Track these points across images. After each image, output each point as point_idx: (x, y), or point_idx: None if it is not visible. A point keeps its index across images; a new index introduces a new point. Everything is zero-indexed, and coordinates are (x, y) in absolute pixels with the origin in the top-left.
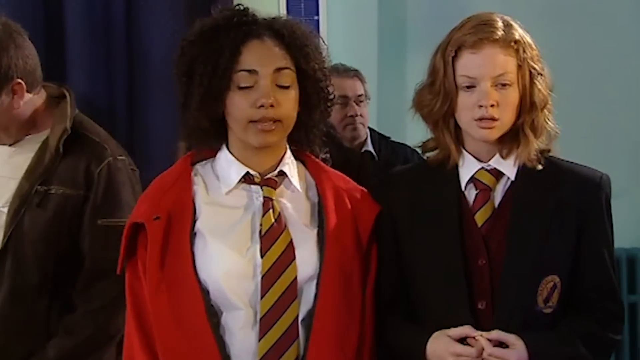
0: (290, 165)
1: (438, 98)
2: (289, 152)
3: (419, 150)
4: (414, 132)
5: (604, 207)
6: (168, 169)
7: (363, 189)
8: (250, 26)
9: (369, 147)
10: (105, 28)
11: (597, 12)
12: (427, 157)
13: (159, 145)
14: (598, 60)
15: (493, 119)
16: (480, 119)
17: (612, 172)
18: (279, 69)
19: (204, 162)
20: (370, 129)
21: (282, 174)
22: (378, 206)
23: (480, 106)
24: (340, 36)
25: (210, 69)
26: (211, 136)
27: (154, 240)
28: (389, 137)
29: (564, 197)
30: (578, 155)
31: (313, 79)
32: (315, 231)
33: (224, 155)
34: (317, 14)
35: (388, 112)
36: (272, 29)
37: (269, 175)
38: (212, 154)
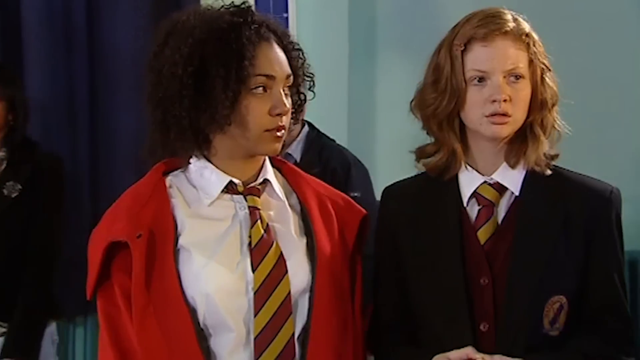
0: (271, 173)
1: (444, 96)
2: (267, 159)
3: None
4: (383, 130)
5: (613, 223)
6: (138, 181)
7: (344, 194)
8: (259, 27)
9: (293, 147)
10: (64, 24)
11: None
12: (426, 165)
13: (124, 147)
14: (596, 62)
15: (506, 115)
16: (492, 115)
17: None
18: (288, 76)
19: (175, 172)
20: (311, 127)
21: (265, 182)
22: (362, 212)
23: (493, 101)
24: (311, 34)
25: (234, 71)
26: (198, 143)
27: (138, 261)
28: (332, 140)
29: (571, 212)
30: (581, 160)
31: (297, 85)
32: (304, 241)
33: (201, 164)
34: (287, 11)
35: (359, 111)
36: (272, 30)
37: (252, 184)
38: (184, 163)
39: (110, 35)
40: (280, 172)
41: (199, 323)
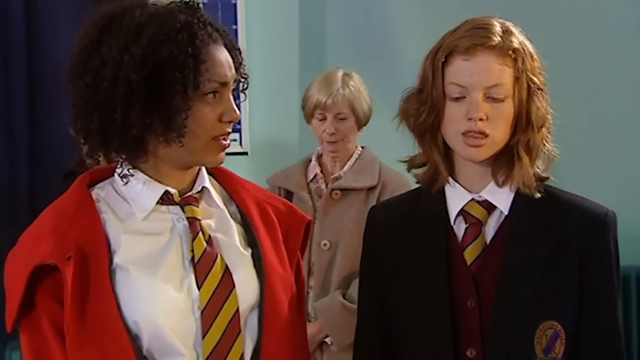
0: (207, 179)
1: (425, 107)
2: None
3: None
4: None
5: (609, 249)
6: (60, 197)
7: (284, 199)
8: (207, 26)
9: None
10: (2, 36)
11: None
12: (416, 176)
13: (64, 154)
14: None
15: (482, 134)
16: (468, 133)
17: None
18: (235, 79)
19: (101, 184)
20: None
21: (202, 189)
22: (305, 218)
23: (470, 119)
24: (260, 46)
25: (191, 77)
26: (138, 152)
27: (69, 285)
28: None
29: (564, 235)
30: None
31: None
32: (249, 253)
33: (129, 174)
34: (236, 23)
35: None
36: (216, 29)
37: (189, 193)
38: (109, 173)
39: (51, 46)
40: (214, 178)
41: (141, 350)
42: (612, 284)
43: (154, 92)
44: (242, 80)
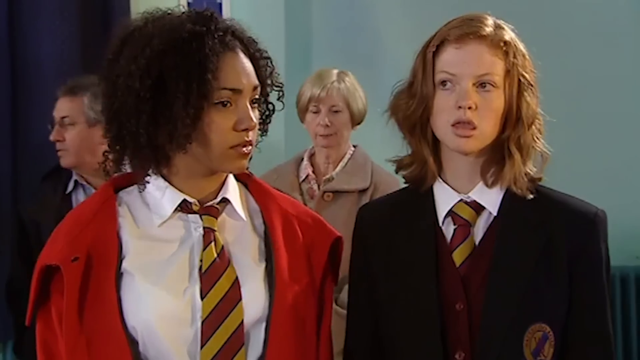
0: (233, 191)
1: (414, 100)
2: (231, 175)
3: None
4: None
5: (600, 248)
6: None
7: (315, 214)
8: (223, 35)
9: None
10: None
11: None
12: (404, 176)
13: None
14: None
15: (470, 124)
16: (457, 124)
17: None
18: (255, 87)
19: (129, 189)
20: None
21: (225, 200)
22: (334, 233)
23: (459, 108)
24: None
25: (195, 86)
26: (157, 160)
27: (71, 286)
28: None
29: (553, 235)
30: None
31: (265, 95)
32: (263, 266)
33: (154, 181)
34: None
35: (295, 117)
36: (238, 38)
37: (209, 203)
38: (139, 178)
39: (33, 43)
40: (246, 187)
41: (139, 355)
42: (601, 284)
43: (160, 101)
44: (277, 88)
